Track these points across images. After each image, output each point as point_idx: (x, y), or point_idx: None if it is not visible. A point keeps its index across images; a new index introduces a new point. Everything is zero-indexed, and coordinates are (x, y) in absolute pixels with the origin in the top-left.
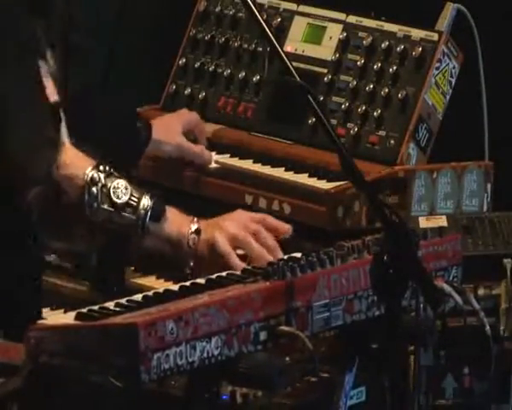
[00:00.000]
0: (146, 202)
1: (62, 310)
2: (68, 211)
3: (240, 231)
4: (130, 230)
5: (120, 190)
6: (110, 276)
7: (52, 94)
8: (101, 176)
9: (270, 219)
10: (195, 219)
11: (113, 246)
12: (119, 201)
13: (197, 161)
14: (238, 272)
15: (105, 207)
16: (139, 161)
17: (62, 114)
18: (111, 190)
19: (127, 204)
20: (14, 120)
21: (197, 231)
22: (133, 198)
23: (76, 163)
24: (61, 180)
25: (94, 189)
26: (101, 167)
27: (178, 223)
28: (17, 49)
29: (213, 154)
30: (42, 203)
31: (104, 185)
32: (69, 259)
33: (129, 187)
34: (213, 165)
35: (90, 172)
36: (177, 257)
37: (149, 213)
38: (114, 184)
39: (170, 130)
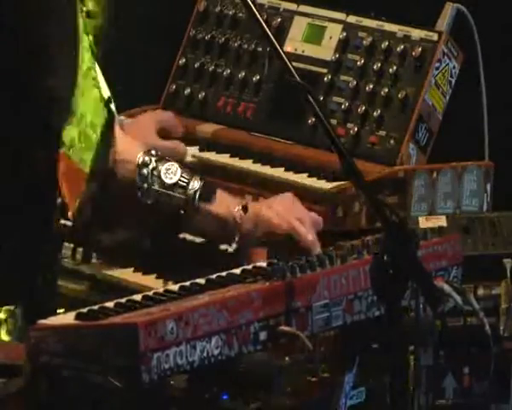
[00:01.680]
0: (196, 182)
1: (62, 310)
2: (121, 200)
3: (286, 212)
4: (180, 211)
5: (171, 170)
6: (164, 259)
7: (104, 89)
8: (153, 159)
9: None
10: (245, 199)
11: (164, 230)
12: (169, 181)
13: (172, 157)
14: (238, 272)
15: (156, 187)
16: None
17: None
18: (162, 172)
19: (177, 185)
20: (56, 64)
21: (244, 208)
22: (183, 179)
23: (128, 149)
24: (115, 167)
25: (145, 170)
26: (153, 152)
27: (227, 203)
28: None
29: (189, 148)
30: (99, 194)
31: (155, 168)
32: (121, 247)
33: (179, 169)
34: (189, 159)
35: (141, 156)
36: (222, 233)
37: (199, 193)
38: (165, 166)
39: (141, 130)
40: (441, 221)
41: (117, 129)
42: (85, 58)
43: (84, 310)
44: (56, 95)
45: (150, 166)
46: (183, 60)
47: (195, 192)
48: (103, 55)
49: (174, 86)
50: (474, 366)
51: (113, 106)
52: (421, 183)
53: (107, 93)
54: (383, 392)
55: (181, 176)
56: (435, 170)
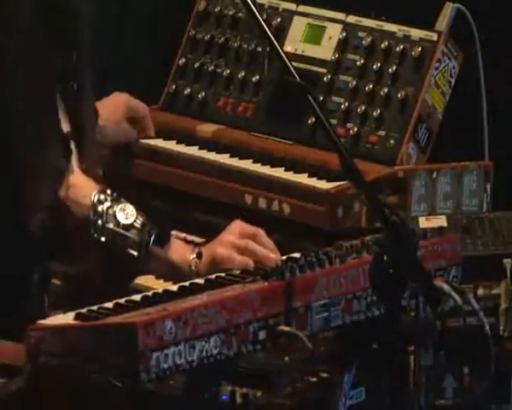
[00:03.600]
0: (151, 225)
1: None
2: (74, 233)
3: (237, 239)
4: (133, 253)
5: (126, 211)
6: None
7: (65, 125)
8: (108, 198)
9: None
10: (197, 247)
11: (117, 269)
12: (124, 221)
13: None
14: (237, 272)
15: (110, 226)
16: None
17: (73, 145)
18: (117, 211)
19: (132, 226)
20: (26, 147)
21: (199, 255)
22: (138, 221)
23: (84, 185)
24: (69, 201)
25: (100, 208)
26: (109, 191)
27: (181, 250)
28: (38, 78)
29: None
30: (47, 226)
31: (110, 206)
32: (73, 283)
33: (135, 211)
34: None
35: (97, 194)
36: (178, 279)
37: (153, 237)
38: (121, 205)
39: (111, 108)
40: (441, 221)
41: (74, 165)
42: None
43: (84, 310)
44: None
45: (105, 205)
46: (183, 60)
47: (150, 235)
48: (104, 55)
49: (174, 86)
50: (474, 366)
51: (71, 143)
52: (421, 183)
53: (66, 127)
54: (383, 392)
55: (136, 218)
56: (435, 170)
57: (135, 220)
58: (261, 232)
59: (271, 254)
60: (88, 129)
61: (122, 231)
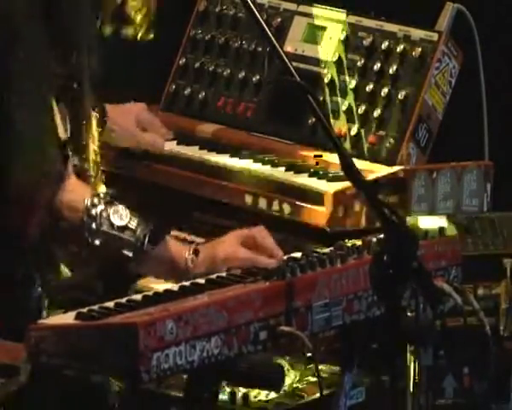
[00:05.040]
0: (145, 225)
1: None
2: (68, 238)
3: (236, 246)
4: (128, 254)
5: (120, 213)
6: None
7: (62, 131)
8: (102, 201)
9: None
10: (194, 244)
11: (116, 273)
12: (118, 223)
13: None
14: (238, 272)
15: (104, 229)
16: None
17: (70, 152)
18: (110, 213)
19: (126, 227)
20: (24, 152)
21: (195, 252)
22: (132, 222)
23: (78, 190)
24: (63, 205)
25: (93, 211)
26: (102, 195)
27: (176, 248)
28: (36, 84)
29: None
30: (42, 232)
31: (104, 209)
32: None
33: (128, 212)
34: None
35: (90, 197)
36: (174, 279)
37: (148, 237)
38: (114, 208)
39: (125, 116)
40: (441, 221)
41: (70, 170)
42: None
43: (84, 310)
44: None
45: (99, 208)
46: (183, 60)
47: (144, 235)
48: (104, 55)
49: (174, 86)
50: (474, 366)
51: (68, 149)
52: (421, 183)
53: (64, 134)
54: (383, 392)
55: (130, 219)
56: (435, 170)
57: (129, 222)
58: (260, 233)
59: (270, 260)
60: (87, 128)
61: (116, 233)
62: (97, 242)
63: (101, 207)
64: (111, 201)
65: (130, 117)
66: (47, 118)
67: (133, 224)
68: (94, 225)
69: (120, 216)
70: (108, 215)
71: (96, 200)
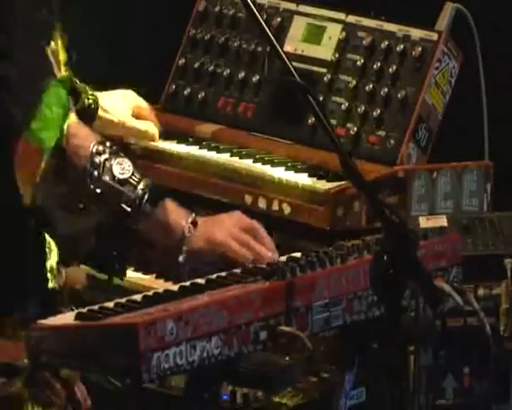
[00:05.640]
0: (146, 183)
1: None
2: (72, 185)
3: (237, 229)
4: (126, 209)
5: (123, 166)
6: (111, 257)
7: (57, 71)
8: (107, 150)
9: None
10: (193, 213)
11: (111, 227)
12: (120, 176)
13: (142, 138)
14: (238, 272)
15: (106, 178)
16: None
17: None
18: (113, 164)
19: (127, 181)
20: (21, 96)
21: (194, 223)
22: (134, 177)
23: (83, 135)
24: (68, 150)
25: (97, 159)
26: (108, 143)
27: (175, 213)
28: (35, 21)
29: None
30: (52, 179)
31: (108, 159)
32: (67, 243)
33: (131, 166)
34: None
35: (96, 145)
36: (168, 245)
37: (147, 195)
38: (118, 160)
39: (117, 104)
40: (441, 221)
41: (72, 113)
42: None
43: (84, 310)
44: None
45: (103, 157)
46: (183, 60)
47: (144, 193)
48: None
49: (174, 86)
50: (474, 366)
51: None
52: (421, 183)
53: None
54: (383, 392)
55: (132, 174)
56: (435, 170)
57: (130, 177)
58: (261, 229)
59: (269, 253)
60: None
61: (117, 186)
62: (98, 190)
63: (105, 155)
64: (116, 151)
65: (125, 104)
66: (44, 63)
67: (135, 179)
68: (96, 173)
69: (123, 169)
70: (111, 166)
71: (101, 148)
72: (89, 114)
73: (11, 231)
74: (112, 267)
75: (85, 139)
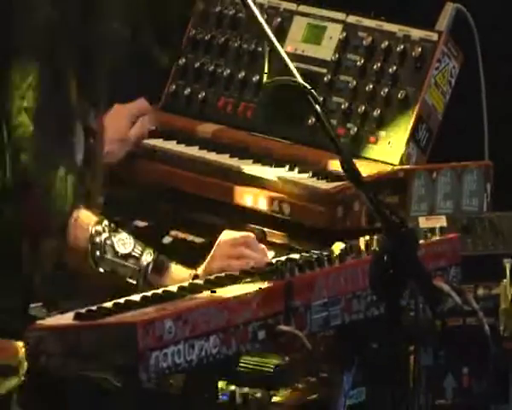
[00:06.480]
0: (149, 255)
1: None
2: (75, 267)
3: (231, 249)
4: (132, 282)
5: (124, 241)
6: None
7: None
8: (106, 229)
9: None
10: (194, 270)
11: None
12: (122, 251)
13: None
14: (237, 273)
15: (108, 256)
16: None
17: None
18: (114, 241)
19: (130, 255)
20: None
21: (195, 278)
22: (136, 250)
23: (82, 218)
24: (68, 235)
25: (98, 239)
26: (106, 222)
27: (179, 276)
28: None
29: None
30: (56, 258)
31: (108, 237)
32: None
33: (132, 240)
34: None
35: (94, 226)
36: None
37: (151, 266)
38: (118, 236)
39: (116, 122)
40: (441, 221)
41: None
42: None
43: (83, 310)
44: None
45: (103, 236)
46: (183, 60)
47: (148, 264)
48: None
49: (174, 86)
50: (473, 366)
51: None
52: (421, 183)
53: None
54: (383, 392)
55: (134, 247)
56: (435, 170)
57: (133, 249)
58: (251, 237)
59: (265, 258)
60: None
61: (120, 261)
62: (101, 269)
63: (105, 235)
64: (115, 229)
65: (120, 121)
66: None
67: (137, 252)
68: (98, 253)
69: (124, 244)
70: (112, 243)
71: (99, 228)
72: None
73: None
74: None
75: (84, 222)
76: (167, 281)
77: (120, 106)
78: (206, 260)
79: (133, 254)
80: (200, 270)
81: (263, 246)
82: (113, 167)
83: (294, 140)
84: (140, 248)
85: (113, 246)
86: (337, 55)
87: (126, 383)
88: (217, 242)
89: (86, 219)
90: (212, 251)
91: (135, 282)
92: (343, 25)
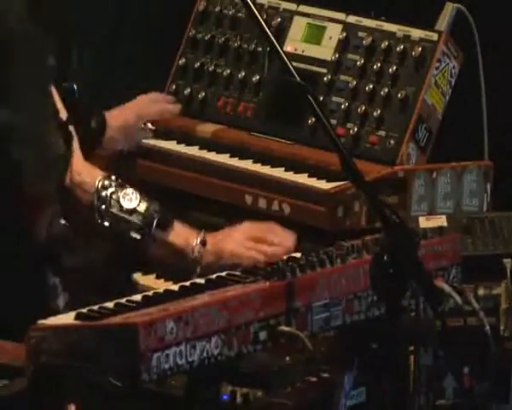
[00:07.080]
0: (154, 209)
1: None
2: (78, 222)
3: (245, 238)
4: (136, 237)
5: (129, 196)
6: (118, 279)
7: (62, 112)
8: (112, 183)
9: (276, 228)
10: (202, 232)
11: (120, 252)
12: (127, 206)
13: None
14: (238, 273)
15: (114, 211)
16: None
17: (73, 130)
18: (120, 196)
19: (135, 210)
20: (28, 143)
21: (203, 242)
22: (141, 205)
23: (88, 171)
24: (73, 187)
25: (103, 193)
26: (113, 177)
27: (185, 234)
28: (36, 75)
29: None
30: (54, 217)
31: (114, 192)
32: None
33: (138, 195)
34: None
35: (101, 180)
36: (181, 266)
37: (156, 221)
38: (124, 191)
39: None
40: (441, 221)
41: (76, 151)
42: None
43: (84, 310)
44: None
45: (109, 190)
46: (183, 60)
47: (153, 219)
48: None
49: (174, 86)
50: (474, 366)
51: (71, 128)
52: (421, 183)
53: (64, 115)
54: (383, 392)
55: (139, 202)
56: (435, 170)
57: (138, 205)
58: (276, 225)
59: (288, 243)
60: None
61: (125, 216)
62: (106, 223)
63: (111, 189)
64: (122, 183)
65: (130, 116)
66: (49, 107)
67: (142, 207)
68: (104, 207)
69: (130, 199)
70: (118, 198)
71: (106, 182)
72: (96, 136)
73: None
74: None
75: (89, 175)
76: (171, 237)
77: (144, 96)
78: (221, 233)
79: (138, 209)
80: (210, 237)
81: (289, 232)
82: (109, 161)
83: (294, 140)
84: (145, 204)
85: (118, 201)
86: (337, 55)
87: (128, 383)
88: (239, 225)
89: (92, 173)
90: (231, 230)
91: (138, 237)
92: (343, 25)
